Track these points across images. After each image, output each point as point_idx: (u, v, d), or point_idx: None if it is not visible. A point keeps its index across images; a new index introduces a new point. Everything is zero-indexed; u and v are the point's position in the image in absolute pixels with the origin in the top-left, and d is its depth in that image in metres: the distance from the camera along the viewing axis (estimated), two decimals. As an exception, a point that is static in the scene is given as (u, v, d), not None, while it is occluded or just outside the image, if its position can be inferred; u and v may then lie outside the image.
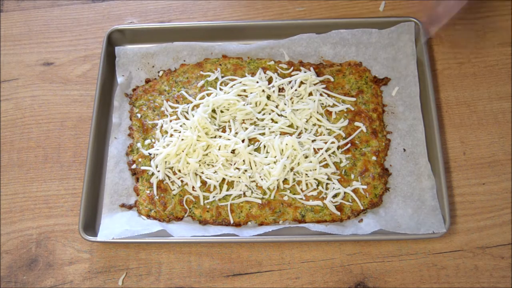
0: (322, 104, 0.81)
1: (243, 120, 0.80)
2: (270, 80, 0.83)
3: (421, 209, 0.74)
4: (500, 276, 0.73)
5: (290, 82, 0.83)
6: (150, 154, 0.80)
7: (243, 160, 0.77)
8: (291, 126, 0.80)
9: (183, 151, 0.77)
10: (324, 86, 0.83)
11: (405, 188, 0.77)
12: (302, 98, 0.82)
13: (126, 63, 0.87)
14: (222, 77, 0.85)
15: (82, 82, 0.89)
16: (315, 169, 0.76)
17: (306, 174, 0.77)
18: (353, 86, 0.83)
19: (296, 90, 0.82)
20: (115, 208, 0.77)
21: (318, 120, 0.80)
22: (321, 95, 0.82)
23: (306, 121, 0.80)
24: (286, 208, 0.76)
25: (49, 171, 0.83)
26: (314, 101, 0.80)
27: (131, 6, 0.96)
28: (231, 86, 0.82)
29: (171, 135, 0.80)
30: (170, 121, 0.82)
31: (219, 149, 0.78)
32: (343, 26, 0.86)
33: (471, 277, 0.73)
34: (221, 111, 0.81)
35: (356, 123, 0.80)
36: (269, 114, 0.81)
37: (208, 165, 0.78)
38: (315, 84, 0.83)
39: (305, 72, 0.83)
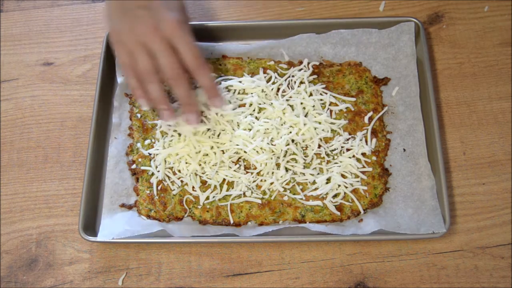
0: (323, 104, 0.81)
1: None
2: (270, 80, 0.83)
3: (421, 209, 0.74)
4: (500, 276, 0.73)
5: (289, 83, 0.83)
6: (150, 154, 0.80)
7: (243, 160, 0.77)
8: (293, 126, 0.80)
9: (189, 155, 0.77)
10: (324, 86, 0.83)
11: (405, 188, 0.77)
12: (304, 98, 0.82)
13: (126, 63, 0.87)
14: (222, 77, 0.85)
15: (82, 82, 0.89)
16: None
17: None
18: (353, 86, 0.83)
19: (296, 90, 0.82)
20: (115, 208, 0.77)
21: (316, 118, 0.80)
22: (321, 94, 0.82)
23: (306, 115, 0.80)
24: (286, 208, 0.76)
25: (49, 171, 0.83)
26: (314, 100, 0.80)
27: (131, 6, 0.95)
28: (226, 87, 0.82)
29: (172, 136, 0.80)
30: (170, 120, 0.82)
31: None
32: (343, 26, 0.86)
33: (471, 277, 0.73)
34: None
35: (356, 123, 0.80)
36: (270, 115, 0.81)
37: (207, 163, 0.78)
38: (312, 82, 0.83)
39: (299, 70, 0.83)
